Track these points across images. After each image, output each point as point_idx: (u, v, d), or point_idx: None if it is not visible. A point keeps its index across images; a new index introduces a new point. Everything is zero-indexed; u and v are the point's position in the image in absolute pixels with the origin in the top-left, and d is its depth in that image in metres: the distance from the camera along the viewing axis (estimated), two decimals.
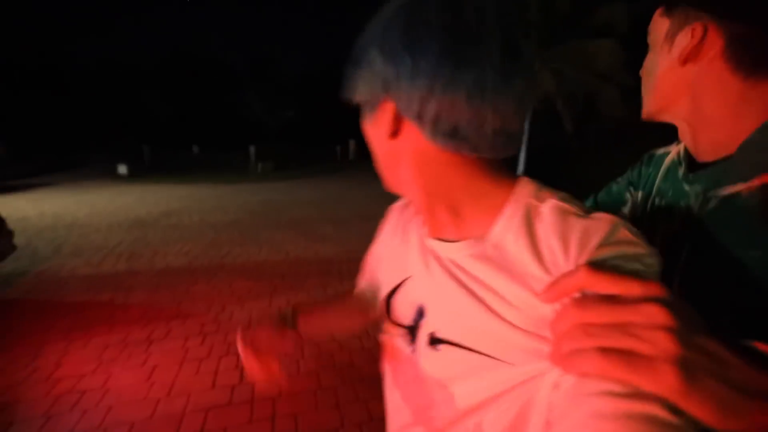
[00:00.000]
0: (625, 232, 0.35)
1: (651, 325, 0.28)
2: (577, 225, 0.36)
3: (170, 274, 3.84)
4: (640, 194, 0.62)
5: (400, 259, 0.53)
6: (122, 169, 15.49)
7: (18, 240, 4.31)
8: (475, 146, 0.39)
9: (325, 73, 38.12)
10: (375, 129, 0.44)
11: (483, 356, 0.39)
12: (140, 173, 15.48)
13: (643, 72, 0.56)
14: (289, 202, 8.69)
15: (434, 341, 0.44)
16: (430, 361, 0.45)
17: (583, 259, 0.34)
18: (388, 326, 0.53)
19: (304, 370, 2.23)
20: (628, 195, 0.65)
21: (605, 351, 0.28)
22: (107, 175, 15.06)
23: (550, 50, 9.49)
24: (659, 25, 0.52)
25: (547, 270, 0.36)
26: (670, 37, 0.49)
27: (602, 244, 0.34)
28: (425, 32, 0.36)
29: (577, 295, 0.32)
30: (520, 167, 10.69)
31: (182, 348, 2.44)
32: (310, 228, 6.02)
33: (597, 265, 0.31)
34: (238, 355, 2.36)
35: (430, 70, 0.36)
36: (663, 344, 0.27)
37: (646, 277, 0.30)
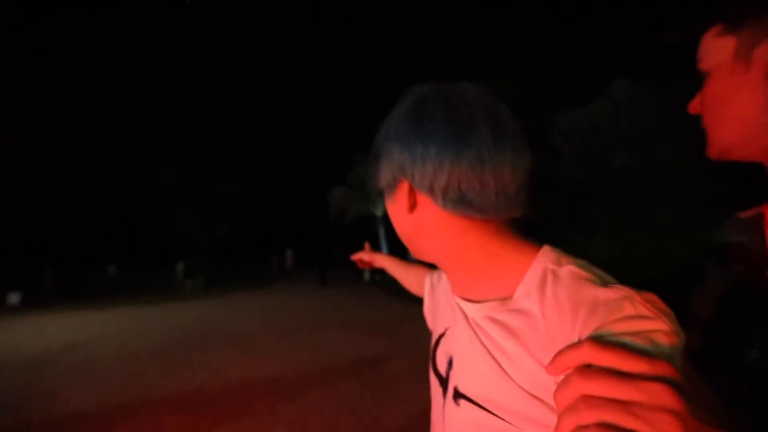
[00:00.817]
0: (640, 307, 0.34)
1: (655, 406, 0.26)
2: (590, 294, 0.37)
3: (75, 421, 3.18)
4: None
5: (443, 310, 0.57)
6: (13, 298, 13.23)
7: None
8: (481, 208, 0.44)
9: (259, 188, 39.50)
10: (395, 207, 0.51)
11: (495, 417, 0.41)
12: (38, 301, 13.31)
13: (708, 104, 0.48)
14: (224, 320, 8.03)
15: (457, 395, 0.47)
16: (451, 414, 0.47)
17: (589, 330, 0.34)
18: (431, 374, 0.56)
19: None
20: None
21: (607, 427, 0.26)
22: None
23: None
24: (719, 45, 0.46)
25: (552, 338, 0.38)
26: (744, 54, 0.43)
27: (613, 318, 0.34)
28: (431, 125, 0.45)
29: (582, 367, 0.31)
30: None
31: None
32: (250, 344, 5.59)
33: (603, 339, 0.31)
34: None
35: (437, 152, 0.44)
36: (665, 427, 0.26)
37: (655, 356, 0.30)
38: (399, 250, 16.01)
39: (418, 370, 4.01)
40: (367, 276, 16.27)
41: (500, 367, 0.41)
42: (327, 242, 31.36)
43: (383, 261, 1.08)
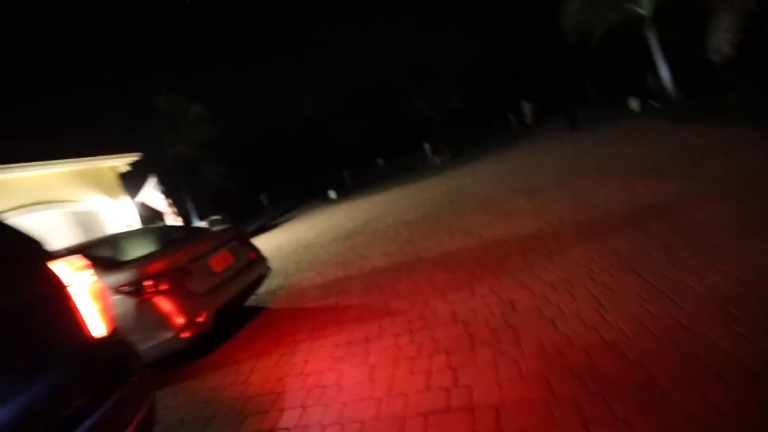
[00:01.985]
0: None
1: None
2: None
3: (377, 275, 4.18)
4: None
5: None
6: (332, 194, 19.18)
7: (274, 263, 5.71)
8: None
9: (476, 54, 36.43)
10: None
11: None
12: (345, 194, 18.72)
13: None
14: (472, 185, 8.42)
15: None
16: None
17: None
18: None
19: (526, 371, 1.85)
20: None
21: None
22: (324, 201, 18.88)
23: None
24: None
25: None
26: None
27: None
28: None
29: None
30: None
31: (395, 346, 2.50)
32: (498, 206, 5.57)
33: None
34: (447, 353, 2.22)
35: None
36: None
37: None
38: (681, 70, 10.82)
39: (738, 220, 2.76)
40: (635, 106, 12.47)
41: None
42: (570, 76, 25.92)
43: None
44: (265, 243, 9.97)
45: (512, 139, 17.08)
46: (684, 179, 4.06)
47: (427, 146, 20.06)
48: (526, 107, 24.73)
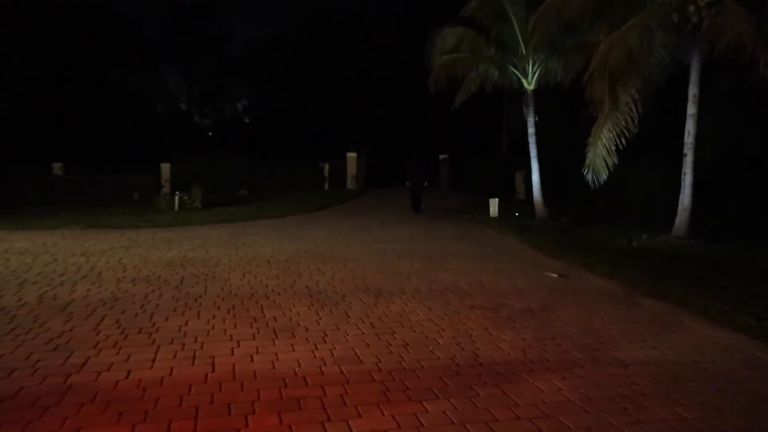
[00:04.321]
0: None
1: None
2: None
3: None
4: None
5: None
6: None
7: None
8: None
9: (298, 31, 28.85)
10: None
11: None
12: None
13: None
14: (230, 263, 6.45)
15: None
16: None
17: None
18: None
19: None
20: None
21: None
22: None
23: None
24: None
25: None
26: None
27: None
28: None
29: None
30: (687, 193, 7.23)
31: None
32: (269, 312, 4.10)
33: None
34: None
35: None
36: None
37: None
38: (559, 172, 10.69)
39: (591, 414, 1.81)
40: (494, 209, 11.10)
41: None
42: (423, 139, 22.27)
43: None
44: None
45: (317, 204, 13.78)
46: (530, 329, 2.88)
47: (164, 181, 14.71)
48: (351, 160, 19.99)
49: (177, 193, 12.39)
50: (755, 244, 6.90)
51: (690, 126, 7.13)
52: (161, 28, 30.63)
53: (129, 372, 2.51)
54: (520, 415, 2.06)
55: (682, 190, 7.20)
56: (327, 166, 20.46)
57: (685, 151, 7.19)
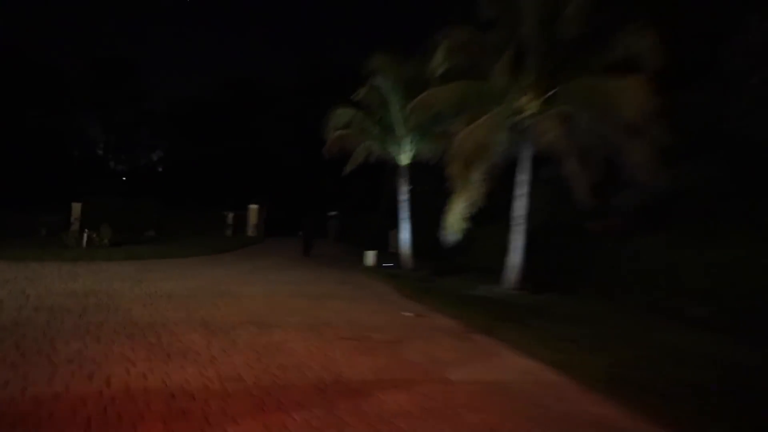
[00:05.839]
0: None
1: None
2: None
3: None
4: None
5: None
6: None
7: None
8: None
9: (207, 98, 31.31)
10: None
11: None
12: None
13: None
14: (135, 295, 6.39)
15: None
16: None
17: None
18: None
19: None
20: None
21: None
22: None
23: (559, 87, 8.21)
24: None
25: None
26: None
27: None
28: None
29: None
30: (517, 253, 9.00)
31: None
32: (162, 338, 4.33)
33: None
34: None
35: None
36: None
37: None
38: (427, 230, 12.23)
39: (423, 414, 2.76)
40: (371, 260, 12.74)
41: None
42: (317, 196, 26.75)
43: None
44: None
45: (222, 247, 14.93)
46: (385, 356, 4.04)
47: (74, 219, 15.12)
48: (253, 211, 22.86)
49: (86, 230, 12.71)
50: (567, 295, 8.72)
51: (520, 203, 9.17)
52: (85, 76, 31.60)
53: (25, 389, 2.63)
54: (367, 421, 2.64)
55: (513, 251, 9.12)
56: (231, 215, 22.78)
57: (514, 222, 9.22)
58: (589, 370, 3.86)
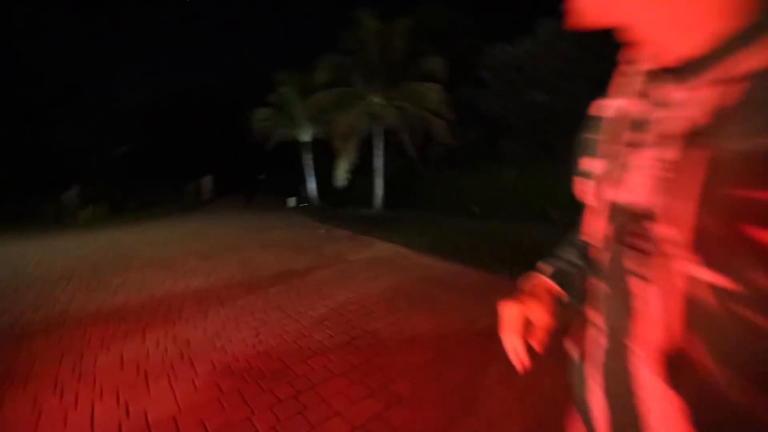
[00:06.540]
0: None
1: None
2: None
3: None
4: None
5: None
6: None
7: None
8: None
9: (170, 101, 32.94)
10: None
11: None
12: None
13: None
14: (138, 245, 6.60)
15: None
16: None
17: None
18: None
19: (199, 384, 1.89)
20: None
21: None
22: None
23: (394, 90, 10.43)
24: None
25: None
26: None
27: None
28: None
29: None
30: (379, 189, 11.31)
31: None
32: (172, 265, 4.78)
33: None
34: (116, 393, 1.82)
35: None
36: None
37: None
38: (327, 181, 15.06)
39: (336, 277, 4.00)
40: (292, 203, 15.15)
41: None
42: (251, 166, 28.71)
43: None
44: None
45: (187, 208, 15.12)
46: (313, 254, 5.24)
47: (72, 193, 12.63)
48: (207, 180, 23.57)
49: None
50: (409, 210, 10.68)
51: (378, 160, 11.53)
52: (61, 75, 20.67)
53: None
54: (308, 285, 3.77)
55: (377, 187, 11.66)
56: (191, 185, 22.24)
57: (376, 172, 11.65)
58: (419, 245, 5.13)
